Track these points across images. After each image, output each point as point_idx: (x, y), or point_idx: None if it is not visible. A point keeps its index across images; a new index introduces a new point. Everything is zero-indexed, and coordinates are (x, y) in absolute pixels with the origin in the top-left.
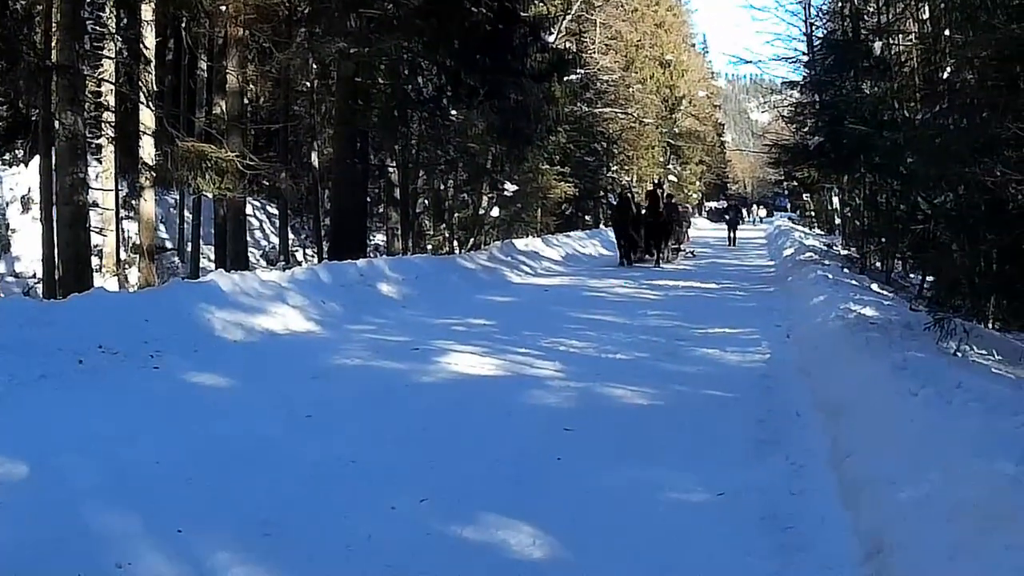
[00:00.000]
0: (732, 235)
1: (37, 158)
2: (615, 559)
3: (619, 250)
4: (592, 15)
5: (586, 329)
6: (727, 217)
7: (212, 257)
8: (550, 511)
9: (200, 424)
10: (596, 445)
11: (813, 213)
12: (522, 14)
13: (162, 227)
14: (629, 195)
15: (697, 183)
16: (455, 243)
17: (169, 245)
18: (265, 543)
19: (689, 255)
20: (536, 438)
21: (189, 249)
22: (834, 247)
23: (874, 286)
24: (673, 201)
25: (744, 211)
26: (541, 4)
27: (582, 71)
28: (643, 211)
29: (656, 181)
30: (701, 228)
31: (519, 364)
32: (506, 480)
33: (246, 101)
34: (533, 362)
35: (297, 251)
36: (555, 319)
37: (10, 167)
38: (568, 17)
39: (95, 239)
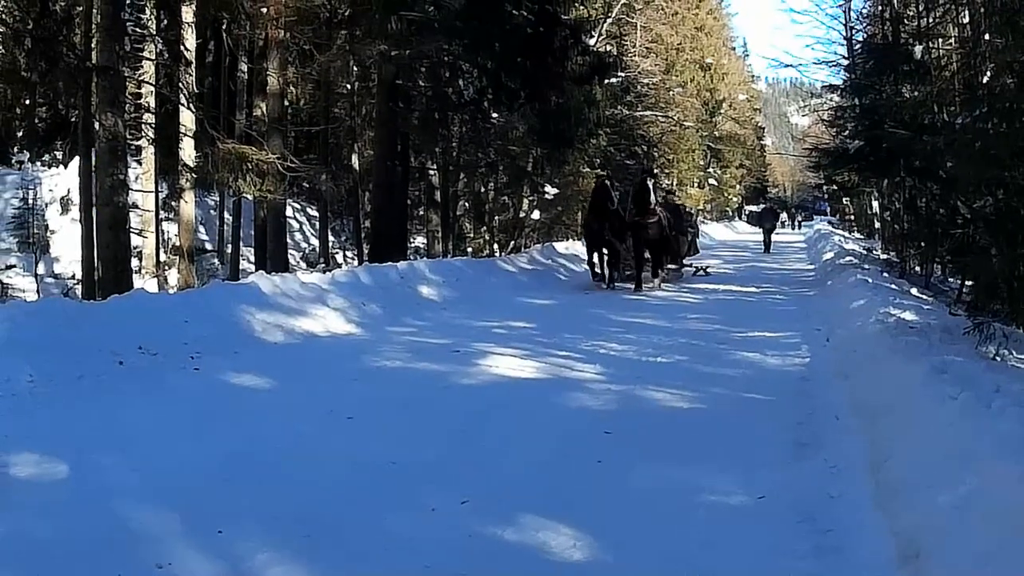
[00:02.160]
0: (767, 241)
1: (76, 159)
2: (655, 561)
3: (590, 265)
4: (632, 18)
5: (626, 332)
6: (761, 223)
7: (252, 259)
8: (590, 513)
9: (240, 425)
10: (636, 448)
11: (852, 217)
12: (563, 17)
13: (202, 229)
14: (608, 183)
15: (737, 187)
16: (495, 246)
17: (209, 247)
18: (305, 544)
19: (700, 273)
20: (576, 440)
21: (229, 251)
22: (873, 251)
23: (913, 290)
24: (676, 200)
25: (784, 214)
26: (582, 7)
27: (623, 74)
28: (629, 210)
29: (645, 167)
30: (740, 232)
31: (559, 367)
32: (546, 482)
33: (287, 103)
34: (573, 365)
35: (337, 253)
36: (595, 322)
37: (49, 168)
38: (608, 20)
39: (135, 240)
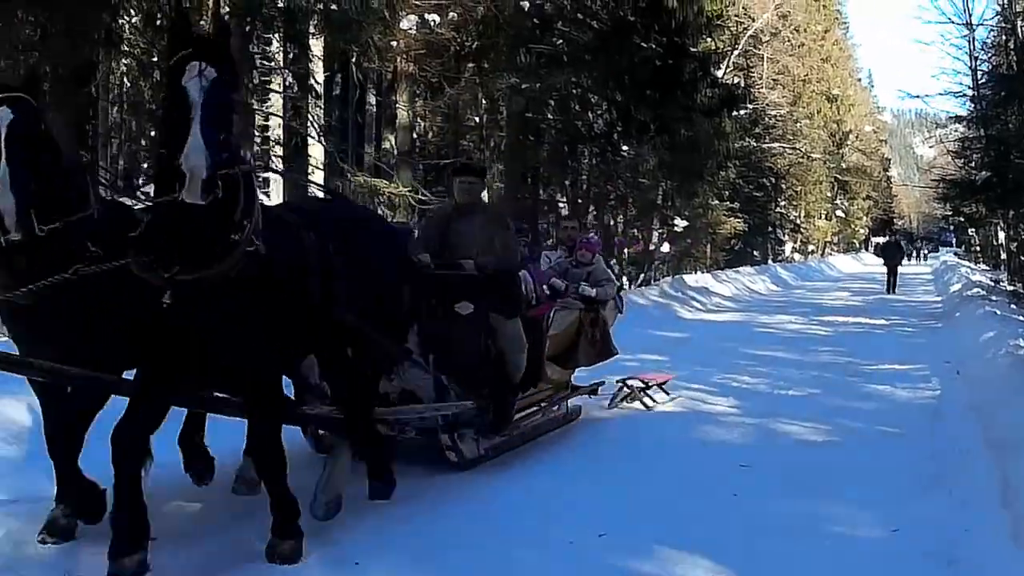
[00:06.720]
0: (892, 280)
1: None
2: None
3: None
4: (759, 50)
5: (758, 365)
6: (886, 258)
7: None
8: (726, 546)
9: None
10: (771, 481)
11: (979, 248)
12: (691, 49)
13: None
14: None
15: (864, 218)
16: (625, 279)
17: None
18: None
19: (642, 397)
20: (712, 473)
21: None
22: (1000, 282)
23: None
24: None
25: (907, 245)
26: (709, 39)
27: (750, 106)
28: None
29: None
30: (867, 264)
31: (693, 400)
32: (683, 515)
33: (415, 136)
34: (706, 398)
35: None
36: (727, 355)
37: None
38: (736, 52)
39: None
